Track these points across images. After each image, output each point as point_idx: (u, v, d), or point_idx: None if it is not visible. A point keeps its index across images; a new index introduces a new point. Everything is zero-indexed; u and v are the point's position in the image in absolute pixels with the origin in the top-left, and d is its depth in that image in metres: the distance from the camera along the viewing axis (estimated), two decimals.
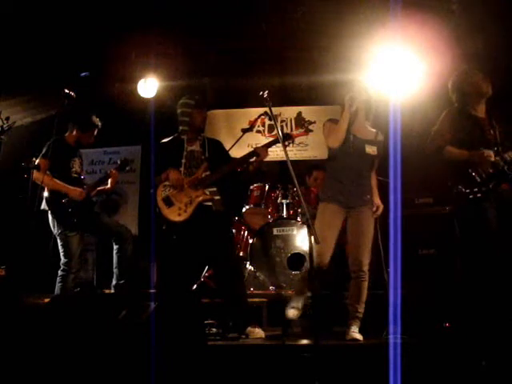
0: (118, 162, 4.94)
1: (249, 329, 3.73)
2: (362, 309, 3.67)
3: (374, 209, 3.75)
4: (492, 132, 3.75)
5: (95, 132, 4.72)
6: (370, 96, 3.85)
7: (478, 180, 3.64)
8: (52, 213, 4.39)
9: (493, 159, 3.62)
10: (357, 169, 3.73)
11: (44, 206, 4.43)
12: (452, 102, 3.92)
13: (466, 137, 3.74)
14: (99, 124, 4.74)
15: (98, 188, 4.67)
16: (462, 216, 3.78)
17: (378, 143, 3.85)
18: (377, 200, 3.80)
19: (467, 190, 3.65)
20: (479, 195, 3.61)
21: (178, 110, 4.05)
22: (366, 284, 3.68)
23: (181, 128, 4.04)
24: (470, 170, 3.66)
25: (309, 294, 3.68)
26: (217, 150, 4.09)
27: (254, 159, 3.94)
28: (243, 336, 3.70)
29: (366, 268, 3.66)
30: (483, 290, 3.51)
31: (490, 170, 3.62)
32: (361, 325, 3.66)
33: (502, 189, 3.66)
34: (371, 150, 3.77)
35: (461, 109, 3.85)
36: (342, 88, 4.02)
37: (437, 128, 3.87)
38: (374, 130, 3.90)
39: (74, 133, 4.64)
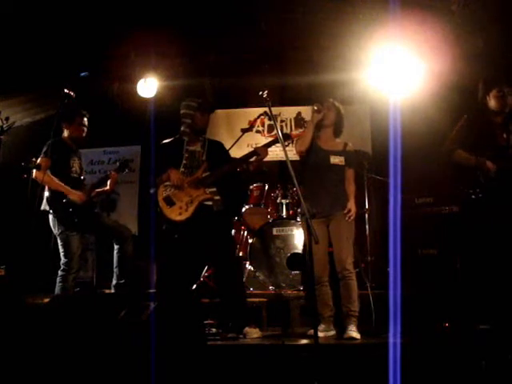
0: (118, 164, 4.91)
1: (246, 329, 3.74)
2: (355, 307, 3.69)
3: (346, 211, 3.79)
4: (505, 136, 3.80)
5: (82, 121, 4.65)
6: (340, 114, 4.00)
7: (482, 181, 3.68)
8: (53, 212, 4.39)
9: (493, 175, 3.68)
10: (327, 179, 3.85)
11: (45, 206, 4.43)
12: (475, 105, 4.00)
13: (477, 140, 3.81)
14: (84, 112, 4.67)
15: (98, 190, 4.67)
16: (465, 216, 3.82)
17: (347, 153, 3.96)
18: (350, 204, 3.83)
19: (470, 190, 3.70)
20: (480, 195, 3.65)
21: (181, 111, 4.07)
22: (353, 282, 3.75)
23: (182, 129, 4.05)
24: (478, 172, 3.72)
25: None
26: (217, 150, 4.10)
27: (254, 159, 3.96)
28: (241, 336, 3.71)
29: (349, 266, 3.74)
30: (483, 289, 3.52)
31: (494, 174, 3.67)
32: (358, 323, 3.67)
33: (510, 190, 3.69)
34: (337, 160, 3.90)
35: (482, 116, 3.92)
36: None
37: (455, 133, 3.98)
38: (342, 142, 4.01)
39: (66, 130, 4.63)
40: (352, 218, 3.81)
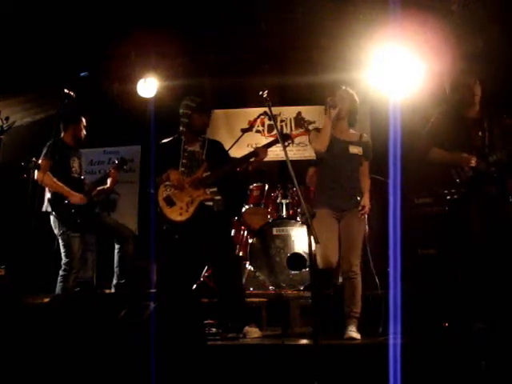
0: (116, 162, 4.91)
1: (246, 328, 3.74)
2: (357, 308, 3.67)
3: (360, 208, 3.74)
4: (480, 134, 3.76)
5: (81, 120, 4.68)
6: (354, 102, 3.88)
7: (458, 181, 3.69)
8: (56, 213, 4.39)
9: (473, 164, 3.68)
10: (345, 171, 3.77)
11: (46, 207, 4.43)
12: (447, 101, 3.96)
13: (451, 139, 3.77)
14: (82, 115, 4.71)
15: (98, 188, 4.67)
16: (445, 217, 3.82)
17: (364, 144, 3.88)
18: (364, 199, 3.78)
19: (445, 191, 3.70)
20: (456, 196, 3.66)
21: (180, 110, 4.06)
22: (358, 283, 3.70)
23: (180, 128, 4.05)
24: (452, 171, 3.71)
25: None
26: (217, 150, 4.10)
27: (253, 159, 3.95)
28: (241, 335, 3.71)
29: (356, 268, 3.70)
30: (483, 289, 3.52)
31: (471, 173, 3.67)
32: (359, 324, 3.67)
33: (488, 191, 3.69)
34: (356, 150, 3.82)
35: (452, 110, 3.88)
36: (327, 90, 4.04)
37: (428, 129, 3.91)
38: (357, 133, 3.94)
39: (68, 130, 4.64)
40: (365, 214, 3.76)
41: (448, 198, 3.73)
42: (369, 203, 3.79)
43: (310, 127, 6.63)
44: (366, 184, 3.86)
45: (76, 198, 4.41)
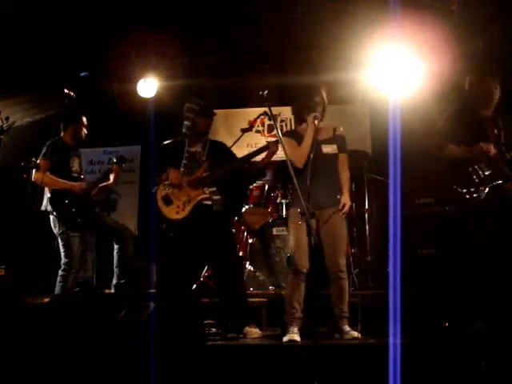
0: (114, 160, 4.84)
1: (246, 328, 3.74)
2: (346, 308, 3.62)
3: (340, 206, 3.62)
4: (496, 131, 3.75)
5: (82, 120, 4.69)
6: (325, 104, 3.76)
7: (477, 180, 3.66)
8: (56, 213, 4.39)
9: (492, 153, 3.65)
10: (321, 170, 3.61)
11: (46, 206, 4.43)
12: (462, 99, 3.94)
13: (467, 135, 3.74)
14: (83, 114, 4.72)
15: (100, 185, 4.65)
16: (458, 216, 3.79)
17: (338, 138, 3.76)
18: (344, 198, 3.65)
19: (464, 190, 3.67)
20: (475, 195, 3.63)
21: (184, 113, 4.05)
22: (346, 283, 3.65)
23: (183, 130, 4.06)
24: (470, 169, 3.68)
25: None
26: (219, 151, 4.10)
27: (266, 153, 3.94)
28: (241, 335, 3.71)
29: (343, 268, 3.63)
30: (483, 289, 3.52)
31: (490, 171, 3.64)
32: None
33: (506, 188, 3.67)
34: (330, 149, 3.69)
35: (466, 108, 3.86)
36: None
37: (441, 127, 3.88)
38: (330, 127, 3.80)
39: (68, 129, 4.64)
40: (346, 212, 3.64)
41: (467, 197, 3.68)
42: (349, 201, 3.66)
43: None
44: (345, 178, 3.72)
45: (75, 186, 4.43)
